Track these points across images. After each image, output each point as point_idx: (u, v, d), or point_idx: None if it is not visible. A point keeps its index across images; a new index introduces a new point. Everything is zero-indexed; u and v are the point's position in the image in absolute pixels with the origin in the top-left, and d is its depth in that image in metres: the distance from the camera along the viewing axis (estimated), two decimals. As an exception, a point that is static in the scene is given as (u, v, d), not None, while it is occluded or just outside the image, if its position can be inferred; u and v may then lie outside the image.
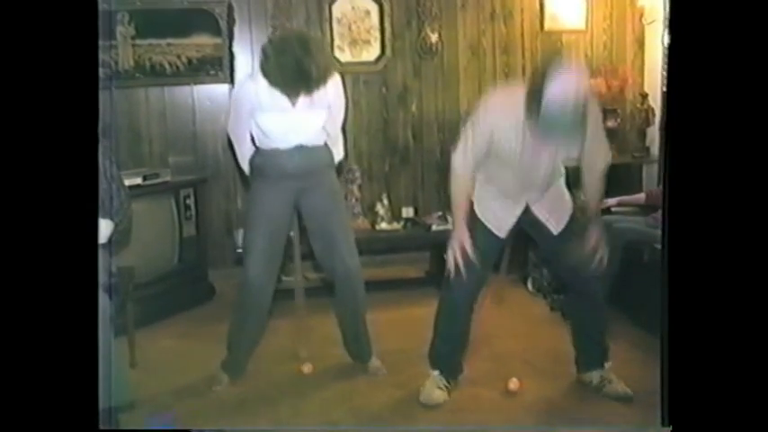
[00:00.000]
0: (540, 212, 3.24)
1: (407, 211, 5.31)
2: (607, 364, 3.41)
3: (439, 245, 5.10)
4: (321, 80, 3.31)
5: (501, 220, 3.25)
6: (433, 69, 5.68)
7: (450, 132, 5.73)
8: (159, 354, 4.03)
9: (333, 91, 3.46)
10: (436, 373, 3.39)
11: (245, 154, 3.58)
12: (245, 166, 3.61)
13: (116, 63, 5.11)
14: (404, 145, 5.72)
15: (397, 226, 5.10)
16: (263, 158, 3.50)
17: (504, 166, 3.11)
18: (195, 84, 5.32)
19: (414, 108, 5.70)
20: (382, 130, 5.67)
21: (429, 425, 3.14)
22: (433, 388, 3.34)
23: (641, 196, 4.51)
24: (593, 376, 3.40)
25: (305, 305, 3.90)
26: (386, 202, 5.19)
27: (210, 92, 5.35)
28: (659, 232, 3.89)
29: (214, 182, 5.29)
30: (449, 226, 4.96)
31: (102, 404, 1.99)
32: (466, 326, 3.40)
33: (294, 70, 3.21)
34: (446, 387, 3.36)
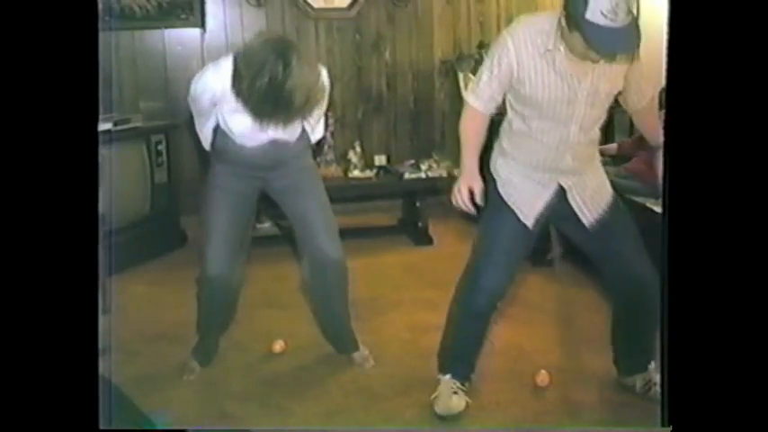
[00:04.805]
0: (574, 199, 2.74)
1: (380, 159, 5.32)
2: (651, 365, 2.95)
3: (411, 193, 5.16)
4: (305, 110, 2.74)
5: (528, 204, 2.73)
6: (406, 17, 5.64)
7: (423, 81, 5.73)
8: (131, 300, 4.03)
9: (318, 112, 2.97)
10: (448, 377, 2.90)
11: (205, 129, 3.04)
12: (206, 142, 3.07)
13: (84, 6, 5.01)
14: (377, 93, 5.70)
15: (369, 174, 5.10)
16: (227, 143, 2.97)
17: (533, 119, 2.64)
18: (166, 28, 5.24)
19: (387, 56, 5.67)
20: (356, 77, 5.65)
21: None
22: (449, 395, 2.87)
23: (613, 146, 4.50)
24: (637, 380, 2.99)
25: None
26: (358, 149, 5.19)
27: (181, 36, 5.27)
28: (630, 183, 3.96)
29: (186, 128, 5.21)
30: (421, 174, 5.03)
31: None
32: (487, 328, 2.93)
33: (272, 101, 2.59)
34: (461, 389, 2.89)
